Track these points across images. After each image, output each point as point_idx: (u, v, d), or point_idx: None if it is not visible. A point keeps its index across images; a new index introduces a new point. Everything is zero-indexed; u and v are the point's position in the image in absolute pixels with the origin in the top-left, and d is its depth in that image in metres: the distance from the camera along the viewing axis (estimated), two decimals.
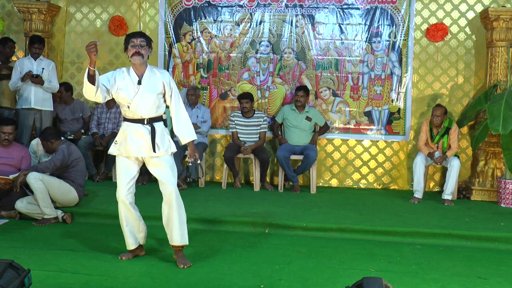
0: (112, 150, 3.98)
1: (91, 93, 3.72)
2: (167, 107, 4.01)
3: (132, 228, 4.04)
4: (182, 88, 7.28)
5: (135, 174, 3.99)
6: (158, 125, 3.92)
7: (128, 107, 3.86)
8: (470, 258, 4.35)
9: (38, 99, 6.55)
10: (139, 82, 3.84)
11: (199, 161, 4.15)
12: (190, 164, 4.17)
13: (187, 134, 3.98)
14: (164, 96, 3.94)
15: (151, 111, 3.88)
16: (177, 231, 3.92)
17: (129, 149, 3.89)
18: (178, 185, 6.37)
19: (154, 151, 3.86)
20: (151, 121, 3.89)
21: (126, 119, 3.94)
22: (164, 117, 4.03)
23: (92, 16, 7.50)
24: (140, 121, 3.88)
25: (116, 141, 3.96)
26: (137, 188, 3.99)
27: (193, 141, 4.04)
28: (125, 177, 3.94)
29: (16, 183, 5.08)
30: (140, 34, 3.88)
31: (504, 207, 6.08)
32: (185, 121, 3.99)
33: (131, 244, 4.05)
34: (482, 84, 6.81)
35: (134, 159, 3.95)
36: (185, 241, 3.97)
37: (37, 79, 6.39)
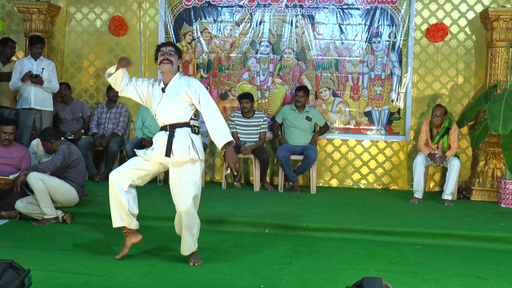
0: (139, 152, 3.99)
1: (117, 79, 3.91)
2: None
3: (118, 209, 3.95)
4: None
5: (143, 168, 3.94)
6: (180, 131, 3.86)
7: (155, 116, 3.95)
8: (470, 258, 4.35)
9: (38, 99, 6.55)
10: (163, 90, 3.89)
11: (228, 171, 4.07)
12: (229, 173, 4.07)
13: (220, 137, 3.84)
14: (191, 104, 3.89)
15: (171, 118, 3.86)
16: (184, 243, 3.93)
17: (151, 155, 3.90)
18: None
19: (167, 155, 3.82)
20: (172, 127, 3.86)
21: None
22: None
23: (92, 16, 7.50)
24: (163, 128, 3.91)
25: (152, 147, 3.94)
26: (137, 189, 3.98)
27: (230, 144, 3.86)
28: (130, 164, 3.97)
29: (16, 183, 5.08)
30: (170, 44, 3.99)
31: (504, 207, 6.08)
32: (217, 123, 3.86)
33: (114, 221, 3.96)
34: (482, 84, 6.81)
35: (154, 162, 3.93)
36: (192, 250, 3.96)
37: (36, 79, 6.39)
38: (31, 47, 6.62)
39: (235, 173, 4.11)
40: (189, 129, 3.90)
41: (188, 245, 3.94)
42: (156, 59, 3.94)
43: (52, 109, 6.75)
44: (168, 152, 3.82)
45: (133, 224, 4.03)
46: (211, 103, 3.90)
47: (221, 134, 3.86)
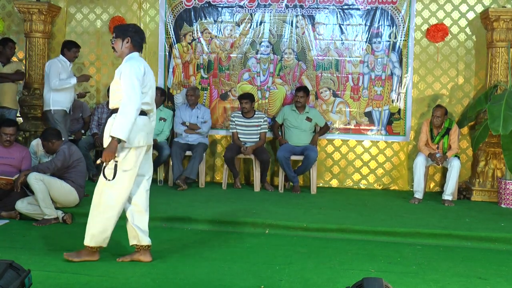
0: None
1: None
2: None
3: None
4: (183, 88, 7.28)
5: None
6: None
7: None
8: (471, 258, 4.35)
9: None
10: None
11: (98, 162, 3.85)
12: (98, 162, 3.82)
13: (113, 129, 3.67)
14: None
15: (112, 102, 3.89)
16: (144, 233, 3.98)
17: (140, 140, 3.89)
18: (178, 185, 6.48)
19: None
20: (112, 112, 3.84)
21: None
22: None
23: (93, 16, 7.50)
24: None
25: None
26: None
27: (116, 141, 3.66)
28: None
29: (16, 183, 5.09)
30: (114, 28, 4.00)
31: (504, 208, 6.07)
32: (119, 116, 3.66)
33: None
34: (482, 85, 6.81)
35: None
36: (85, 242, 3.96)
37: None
38: (67, 51, 6.56)
39: (100, 163, 3.81)
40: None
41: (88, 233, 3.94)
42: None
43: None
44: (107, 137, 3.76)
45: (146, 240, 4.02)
46: (125, 88, 3.70)
47: (115, 126, 3.66)
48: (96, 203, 3.91)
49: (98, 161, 3.82)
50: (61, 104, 6.48)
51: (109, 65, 7.41)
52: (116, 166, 3.74)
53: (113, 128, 3.67)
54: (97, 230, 3.91)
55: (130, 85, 3.71)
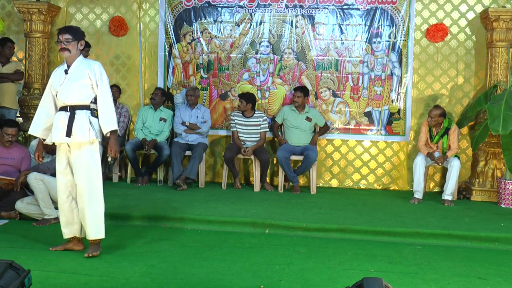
0: (47, 140, 4.17)
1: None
2: None
3: (66, 219, 4.16)
4: (182, 88, 7.28)
5: (66, 163, 4.09)
6: (80, 113, 4.02)
7: (57, 96, 4.08)
8: (470, 258, 4.35)
9: None
10: (66, 72, 4.07)
11: (110, 159, 4.22)
12: (110, 161, 4.23)
13: (106, 123, 4.04)
14: (92, 87, 4.08)
15: (73, 99, 4.02)
16: (90, 226, 4.06)
17: (52, 136, 4.06)
18: (178, 185, 6.48)
19: (68, 136, 3.97)
20: (73, 108, 4.02)
21: (58, 110, 4.12)
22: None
23: (92, 16, 7.50)
24: (63, 108, 4.06)
25: (51, 131, 4.12)
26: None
27: (115, 133, 4.09)
28: (58, 166, 4.14)
29: (16, 183, 5.09)
30: (67, 31, 4.09)
31: (504, 208, 6.08)
32: (107, 110, 4.05)
33: (65, 234, 4.21)
34: (482, 85, 6.81)
35: (63, 148, 4.08)
36: (101, 235, 4.11)
37: None
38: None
39: (111, 160, 4.20)
40: (89, 112, 4.06)
41: (95, 228, 4.06)
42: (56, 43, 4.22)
43: None
44: (69, 133, 3.98)
45: (78, 232, 4.24)
46: (106, 88, 4.10)
47: (108, 121, 4.05)
48: (92, 197, 4.07)
49: (110, 158, 4.17)
50: None
51: (109, 65, 7.40)
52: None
53: (112, 124, 4.04)
54: (102, 220, 4.12)
55: (109, 87, 4.14)
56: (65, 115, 4.03)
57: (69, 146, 4.06)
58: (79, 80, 4.04)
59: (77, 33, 4.12)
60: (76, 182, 4.05)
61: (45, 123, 4.14)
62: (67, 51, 4.05)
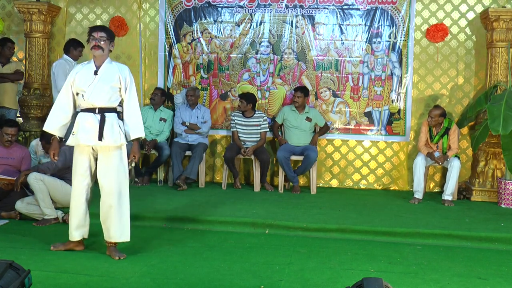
0: (69, 141, 4.06)
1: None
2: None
3: (79, 221, 4.13)
4: (183, 88, 7.28)
5: (88, 165, 4.06)
6: (110, 116, 3.99)
7: (83, 96, 3.98)
8: (470, 258, 4.35)
9: None
10: (96, 73, 4.01)
11: (133, 164, 4.17)
12: (131, 167, 4.16)
13: (133, 129, 4.05)
14: (120, 90, 4.06)
15: (103, 101, 3.98)
16: (116, 229, 4.05)
17: (79, 138, 3.97)
18: (178, 185, 6.48)
19: (100, 139, 3.93)
20: (102, 111, 3.98)
21: (81, 110, 4.04)
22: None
23: (93, 16, 7.50)
24: (91, 110, 3.99)
25: (73, 132, 4.03)
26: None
27: (138, 140, 4.10)
28: (79, 170, 4.08)
29: (16, 183, 5.09)
30: (102, 29, 4.07)
31: (504, 208, 6.07)
32: (136, 116, 4.07)
33: (74, 236, 4.17)
34: (482, 85, 6.81)
35: (87, 151, 4.03)
36: (126, 238, 4.11)
37: None
38: (74, 50, 6.58)
39: (132, 166, 4.18)
40: (116, 114, 4.04)
41: (120, 231, 4.04)
42: (88, 41, 4.08)
43: None
44: (101, 136, 3.94)
45: (86, 234, 4.26)
46: (134, 94, 4.10)
47: (136, 127, 4.07)
48: (121, 200, 4.06)
49: (134, 164, 4.16)
50: None
51: None
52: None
53: (140, 130, 4.08)
54: (129, 224, 4.14)
55: (136, 92, 4.14)
56: (95, 118, 3.97)
57: (93, 149, 4.03)
58: (110, 83, 4.00)
59: (111, 33, 4.12)
60: (103, 184, 4.01)
61: (62, 121, 4.05)
62: (100, 50, 3.99)
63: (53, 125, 4.05)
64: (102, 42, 4.00)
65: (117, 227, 4.04)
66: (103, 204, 4.05)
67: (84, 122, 3.98)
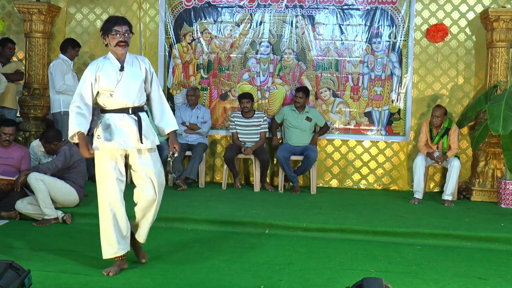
0: (96, 145, 3.66)
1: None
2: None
3: (122, 231, 3.75)
4: (183, 88, 7.28)
5: (124, 168, 3.76)
6: (143, 115, 3.73)
7: (111, 95, 3.64)
8: (470, 258, 4.35)
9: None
10: (121, 69, 3.66)
11: (176, 154, 3.92)
12: (172, 159, 3.96)
13: (168, 123, 3.82)
14: (145, 83, 3.77)
15: (135, 100, 3.67)
16: (145, 231, 3.90)
17: (115, 142, 3.63)
18: (178, 185, 6.48)
19: (142, 142, 3.66)
20: (136, 110, 3.69)
21: (106, 111, 3.69)
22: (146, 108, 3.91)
23: (92, 16, 7.50)
24: (123, 110, 3.67)
25: (99, 135, 3.67)
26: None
27: (175, 132, 3.87)
28: (114, 175, 3.69)
29: (16, 183, 5.09)
30: (125, 22, 3.67)
31: (504, 208, 6.08)
32: (167, 109, 3.85)
33: (118, 250, 3.73)
34: (482, 85, 6.81)
35: (120, 153, 3.71)
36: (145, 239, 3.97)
37: None
38: (71, 49, 6.61)
39: (176, 154, 3.91)
40: (145, 113, 3.78)
41: (147, 233, 3.92)
42: (104, 33, 3.64)
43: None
44: (141, 139, 3.66)
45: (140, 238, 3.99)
46: (159, 85, 3.86)
47: (170, 121, 3.84)
48: (160, 200, 3.89)
49: (176, 154, 3.92)
50: None
51: None
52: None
53: (174, 123, 3.84)
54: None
55: None
56: (131, 119, 3.66)
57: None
58: (140, 78, 3.68)
59: (131, 25, 3.72)
60: (144, 187, 3.72)
61: (87, 120, 3.64)
62: (127, 46, 3.63)
63: (84, 124, 3.64)
64: (128, 37, 3.63)
65: (148, 228, 3.86)
66: (145, 207, 3.77)
67: (118, 125, 3.64)
